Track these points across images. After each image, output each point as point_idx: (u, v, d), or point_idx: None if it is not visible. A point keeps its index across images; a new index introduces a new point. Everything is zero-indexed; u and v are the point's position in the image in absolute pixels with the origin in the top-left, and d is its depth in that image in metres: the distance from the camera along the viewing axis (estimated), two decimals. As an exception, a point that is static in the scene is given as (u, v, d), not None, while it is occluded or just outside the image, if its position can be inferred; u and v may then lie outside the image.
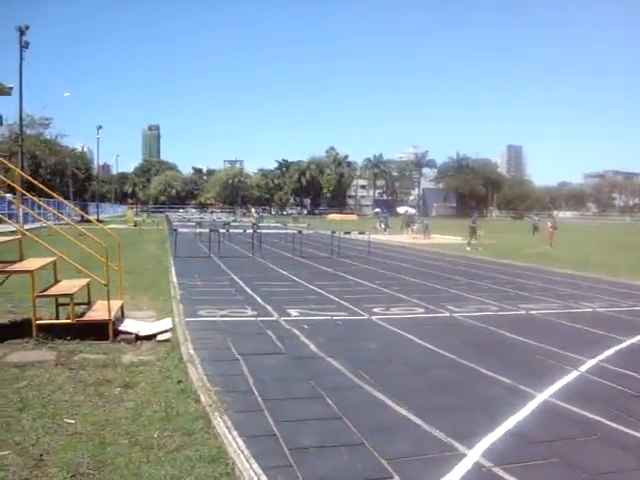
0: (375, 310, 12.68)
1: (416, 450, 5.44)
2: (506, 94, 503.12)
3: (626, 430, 6.15)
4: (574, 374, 8.19)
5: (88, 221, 16.33)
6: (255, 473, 4.80)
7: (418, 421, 6.17)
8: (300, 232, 29.95)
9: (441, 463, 5.18)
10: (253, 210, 45.85)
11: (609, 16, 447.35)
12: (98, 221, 28.69)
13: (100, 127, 79.03)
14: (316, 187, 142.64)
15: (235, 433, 5.59)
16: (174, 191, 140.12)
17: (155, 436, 5.65)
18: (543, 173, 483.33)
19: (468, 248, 32.07)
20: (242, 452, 5.16)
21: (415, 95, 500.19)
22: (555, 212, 55.98)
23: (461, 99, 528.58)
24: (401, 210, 74.84)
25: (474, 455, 5.37)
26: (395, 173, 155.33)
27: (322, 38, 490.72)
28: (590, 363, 8.77)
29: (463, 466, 5.14)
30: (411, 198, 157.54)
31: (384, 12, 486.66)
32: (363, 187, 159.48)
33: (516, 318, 12.47)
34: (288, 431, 5.74)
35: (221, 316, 11.56)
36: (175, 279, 16.79)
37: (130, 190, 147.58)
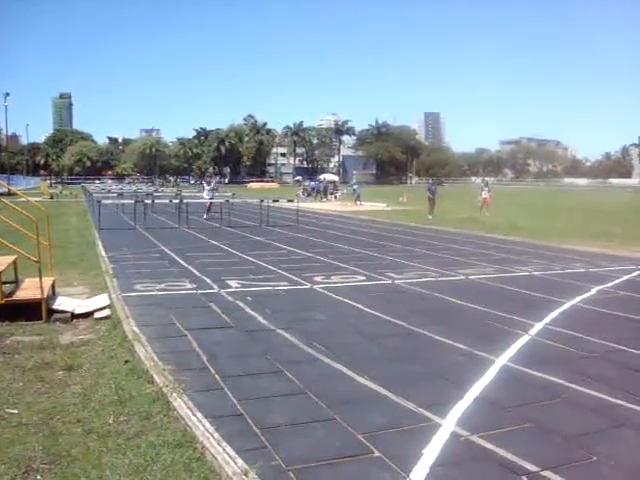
0: (316, 279, 12.49)
1: (390, 422, 5.27)
2: (422, 61, 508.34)
3: (587, 391, 6.19)
4: (526, 338, 8.22)
5: (12, 194, 15.46)
6: (230, 457, 4.50)
7: (384, 392, 6.01)
8: (227, 201, 29.42)
9: (418, 435, 5.04)
10: (206, 183, 34.27)
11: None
12: (9, 194, 27.29)
13: (7, 94, 75.63)
14: (236, 156, 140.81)
15: (200, 414, 5.27)
16: (89, 162, 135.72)
17: (110, 422, 5.30)
18: (460, 140, 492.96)
19: (430, 217, 31.20)
20: (211, 435, 4.85)
21: (334, 63, 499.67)
22: (488, 179, 54.49)
23: (379, 67, 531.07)
24: (323, 177, 74.74)
25: (449, 424, 5.25)
26: (315, 141, 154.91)
27: (242, 3, 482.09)
28: (538, 326, 8.83)
29: (441, 436, 5.01)
30: (331, 165, 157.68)
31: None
32: (283, 155, 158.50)
33: (457, 283, 12.51)
34: (254, 409, 5.47)
35: (159, 290, 11.13)
36: (104, 253, 16.15)
37: (42, 161, 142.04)
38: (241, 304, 10.04)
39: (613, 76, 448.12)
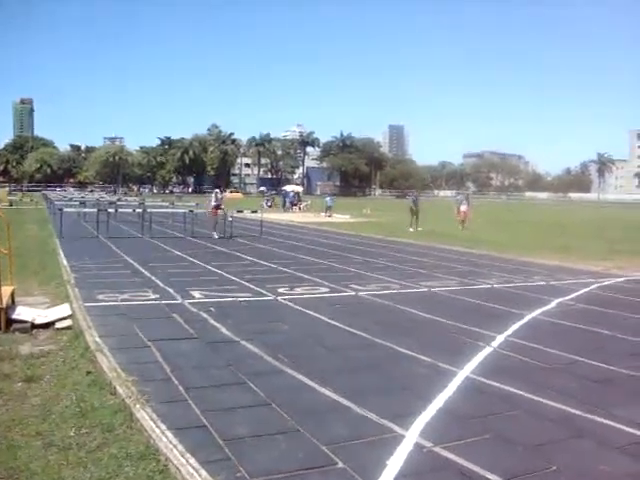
0: (280, 290, 12.48)
1: (353, 434, 5.29)
2: (387, 74, 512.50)
3: (547, 402, 6.29)
4: (488, 350, 8.32)
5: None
6: (194, 468, 4.48)
7: (348, 403, 6.04)
8: (191, 211, 29.21)
9: (382, 446, 5.07)
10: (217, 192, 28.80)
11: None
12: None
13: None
14: (200, 165, 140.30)
15: (163, 426, 5.23)
16: (50, 169, 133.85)
17: (72, 434, 5.22)
18: (424, 153, 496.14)
19: (411, 229, 31.24)
20: (175, 446, 4.82)
21: (300, 75, 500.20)
22: (467, 192, 53.76)
23: (344, 79, 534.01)
24: (287, 188, 74.69)
25: (412, 435, 5.29)
26: (280, 152, 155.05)
27: (207, 14, 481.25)
28: (500, 338, 8.95)
29: (404, 447, 5.05)
30: (295, 177, 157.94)
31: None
32: (247, 165, 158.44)
33: (420, 296, 12.60)
34: (218, 421, 5.45)
35: (122, 300, 11.01)
36: (65, 262, 15.94)
37: (2, 168, 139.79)
38: (204, 315, 10.00)
39: (574, 92, 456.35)
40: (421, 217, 32.77)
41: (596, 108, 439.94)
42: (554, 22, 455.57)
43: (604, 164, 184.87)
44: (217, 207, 26.74)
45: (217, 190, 29.13)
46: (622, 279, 15.78)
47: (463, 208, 34.54)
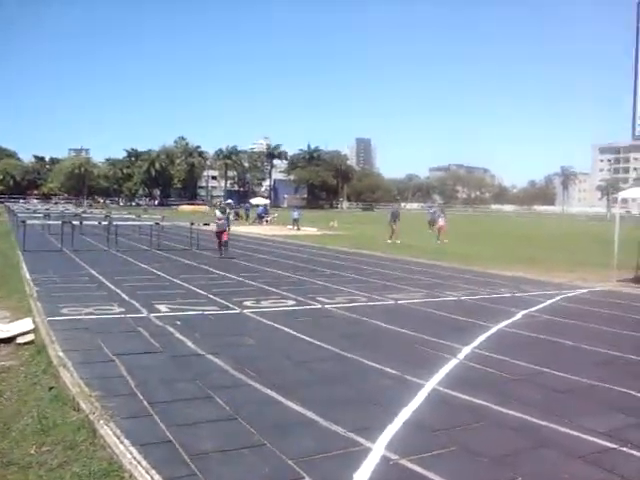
0: (246, 303, 12.43)
1: (320, 447, 5.27)
2: (354, 87, 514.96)
3: (513, 413, 6.34)
4: (454, 362, 8.37)
5: None
6: (158, 485, 4.42)
7: (314, 417, 6.02)
8: (157, 224, 29.00)
9: (348, 459, 5.05)
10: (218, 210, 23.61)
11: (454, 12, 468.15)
12: None
13: None
14: (166, 178, 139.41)
15: (127, 442, 5.16)
16: (13, 181, 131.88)
17: (32, 452, 5.11)
18: (391, 166, 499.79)
19: (398, 241, 31.20)
20: (139, 463, 4.76)
21: (267, 87, 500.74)
22: (442, 206, 53.18)
23: (312, 92, 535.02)
24: (254, 201, 74.41)
25: (379, 448, 5.29)
26: (246, 164, 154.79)
27: (173, 26, 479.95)
28: (466, 350, 9.00)
29: (371, 461, 5.04)
30: (262, 189, 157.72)
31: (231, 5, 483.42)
32: (214, 178, 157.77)
33: (387, 308, 12.64)
34: (184, 436, 5.39)
35: (86, 314, 10.85)
36: (28, 275, 15.69)
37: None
38: (170, 328, 9.90)
39: (539, 107, 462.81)
40: (401, 229, 32.89)
41: (560, 122, 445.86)
42: (518, 36, 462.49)
43: (568, 177, 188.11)
44: (222, 231, 22.59)
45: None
46: (586, 290, 16.03)
47: (441, 222, 34.65)
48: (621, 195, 22.48)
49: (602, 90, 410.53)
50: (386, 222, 34.56)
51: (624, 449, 5.47)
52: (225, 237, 22.63)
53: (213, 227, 23.80)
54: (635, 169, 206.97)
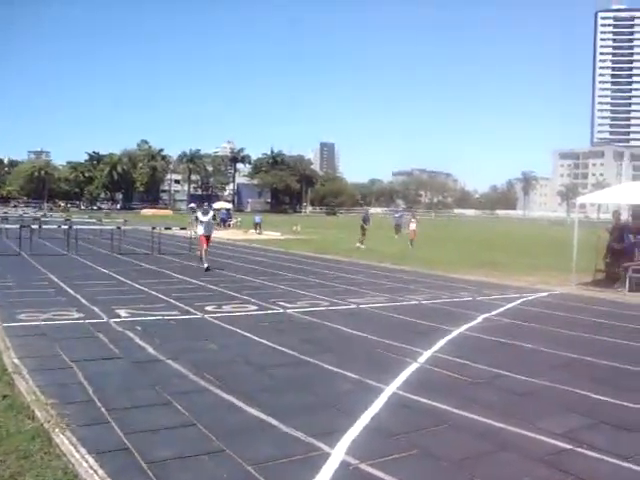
0: (208, 308, 12.35)
1: (279, 453, 5.24)
2: (318, 92, 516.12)
3: (473, 416, 6.38)
4: (415, 365, 8.40)
5: None
6: (114, 494, 4.34)
7: (274, 422, 5.98)
8: (119, 228, 28.70)
9: (308, 464, 5.03)
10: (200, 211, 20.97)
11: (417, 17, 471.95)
12: None
13: None
14: (129, 181, 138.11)
15: (83, 450, 5.06)
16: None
17: (-16, 463, 4.99)
18: (355, 170, 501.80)
19: (362, 247, 30.98)
20: (95, 472, 4.67)
21: (231, 91, 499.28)
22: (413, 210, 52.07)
23: (275, 95, 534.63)
24: (216, 205, 73.89)
25: (339, 453, 5.27)
26: (210, 168, 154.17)
27: (136, 29, 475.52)
28: (427, 354, 9.04)
29: (330, 465, 5.02)
30: (226, 193, 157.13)
31: (200, 7, 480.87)
32: (177, 182, 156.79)
33: (348, 312, 12.66)
34: (141, 443, 5.31)
35: (44, 320, 10.66)
36: (-17, 281, 15.39)
37: None
38: (130, 334, 9.78)
39: (501, 112, 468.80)
40: (359, 233, 32.86)
41: (522, 128, 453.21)
42: (482, 42, 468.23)
43: (529, 182, 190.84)
44: (207, 237, 20.38)
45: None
46: (546, 294, 16.24)
47: (412, 226, 34.46)
48: (579, 200, 22.83)
49: (563, 97, 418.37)
50: (354, 226, 34.52)
51: (579, 450, 5.56)
52: (209, 242, 20.53)
53: (198, 231, 21.01)
54: (594, 174, 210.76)
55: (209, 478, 4.75)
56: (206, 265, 19.69)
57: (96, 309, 11.87)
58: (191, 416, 6.06)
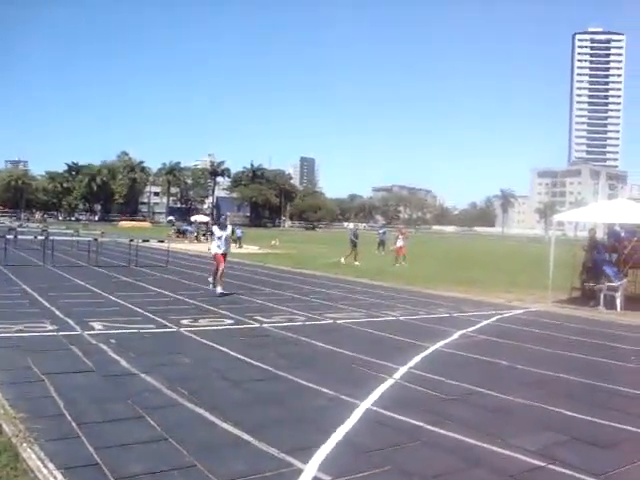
0: (183, 322, 12.25)
1: (251, 468, 5.19)
2: (299, 106, 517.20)
3: (446, 433, 6.37)
4: (390, 382, 8.38)
5: None
6: (81, 510, 4.27)
7: (247, 437, 5.93)
8: (96, 239, 28.49)
9: (279, 481, 4.98)
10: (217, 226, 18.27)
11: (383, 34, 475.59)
12: None
13: None
14: (108, 193, 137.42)
15: (51, 466, 4.97)
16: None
17: (-51, 479, 4.89)
18: (334, 185, 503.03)
19: (357, 263, 30.65)
20: (63, 487, 4.60)
21: (211, 104, 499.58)
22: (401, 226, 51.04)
23: (257, 110, 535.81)
24: (194, 219, 73.43)
25: (311, 470, 5.24)
26: (190, 181, 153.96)
27: (114, 38, 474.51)
28: (402, 370, 9.03)
29: (302, 482, 4.98)
30: (205, 206, 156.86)
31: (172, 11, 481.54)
32: (157, 194, 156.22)
33: (325, 328, 12.64)
34: (112, 458, 5.23)
35: (16, 332, 10.50)
36: (-45, 291, 15.18)
37: None
38: (104, 347, 9.68)
39: (481, 129, 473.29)
40: (340, 249, 32.73)
41: (501, 146, 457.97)
42: (459, 61, 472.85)
43: (507, 199, 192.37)
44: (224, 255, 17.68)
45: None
46: (521, 311, 16.33)
47: (399, 243, 33.52)
48: (557, 218, 23.03)
49: (541, 116, 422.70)
50: (332, 241, 34.33)
51: (552, 466, 5.57)
52: (224, 261, 17.59)
53: (212, 249, 17.99)
54: (571, 193, 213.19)
55: (179, 494, 4.69)
56: (219, 290, 17.00)
57: (70, 321, 11.74)
58: (163, 431, 5.99)
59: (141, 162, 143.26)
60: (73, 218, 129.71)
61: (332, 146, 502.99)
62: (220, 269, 17.17)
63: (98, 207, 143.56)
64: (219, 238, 17.55)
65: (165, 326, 11.85)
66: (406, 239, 34.53)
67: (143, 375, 8.10)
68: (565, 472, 5.46)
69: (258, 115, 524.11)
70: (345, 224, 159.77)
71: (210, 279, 17.90)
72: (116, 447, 5.52)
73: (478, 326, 13.49)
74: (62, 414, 6.36)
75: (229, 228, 18.02)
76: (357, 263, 30.68)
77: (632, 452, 6.09)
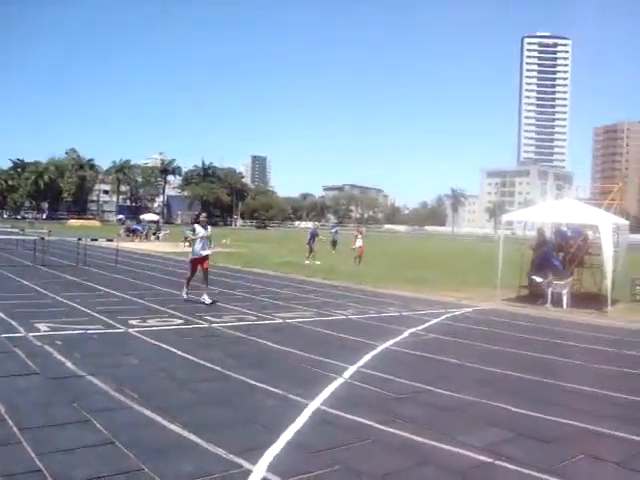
0: (132, 322, 12.07)
1: (199, 471, 5.12)
2: (251, 105, 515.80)
3: (395, 431, 6.39)
4: (339, 381, 8.38)
5: None
6: (22, 518, 4.15)
7: (196, 439, 5.86)
8: (42, 238, 27.89)
9: (227, 483, 4.93)
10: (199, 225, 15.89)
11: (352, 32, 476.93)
12: None
13: None
14: (55, 190, 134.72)
15: (-9, 473, 4.84)
16: None
17: None
18: (286, 184, 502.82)
19: (317, 262, 30.42)
20: (2, 494, 4.47)
21: (162, 102, 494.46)
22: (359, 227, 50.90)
23: (208, 108, 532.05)
24: (145, 217, 72.33)
25: (260, 470, 5.20)
26: (140, 179, 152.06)
27: (65, 33, 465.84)
28: (352, 369, 9.04)
29: (251, 484, 4.94)
30: (155, 205, 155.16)
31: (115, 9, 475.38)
32: (106, 192, 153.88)
33: (275, 327, 12.59)
34: (55, 464, 5.09)
35: (-43, 334, 10.23)
36: None
37: None
38: (49, 349, 9.45)
39: (432, 130, 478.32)
40: (292, 248, 32.64)
41: (452, 146, 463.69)
42: (409, 62, 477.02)
43: (457, 199, 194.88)
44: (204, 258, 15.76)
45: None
46: (471, 309, 16.53)
47: (359, 243, 33.02)
48: (505, 217, 23.33)
49: (492, 118, 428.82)
50: (284, 240, 34.29)
51: (499, 462, 5.64)
52: (206, 265, 15.84)
53: (195, 250, 15.73)
54: (520, 192, 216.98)
55: (125, 499, 4.60)
56: (208, 300, 15.31)
57: (14, 323, 11.44)
58: (109, 434, 5.87)
59: (90, 160, 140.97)
60: (19, 216, 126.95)
61: (284, 145, 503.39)
62: (203, 272, 15.63)
63: (45, 205, 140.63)
64: (200, 239, 15.63)
65: (113, 326, 11.65)
66: (364, 238, 34.28)
67: (89, 377, 7.94)
68: (511, 468, 5.54)
69: (209, 113, 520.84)
70: (297, 223, 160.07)
71: (184, 291, 15.91)
72: (60, 452, 5.38)
73: (428, 324, 13.60)
74: (3, 419, 6.16)
75: (209, 228, 16.00)
76: (318, 262, 30.61)
77: (576, 446, 6.21)
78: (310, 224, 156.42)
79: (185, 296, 15.74)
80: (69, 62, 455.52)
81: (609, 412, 7.53)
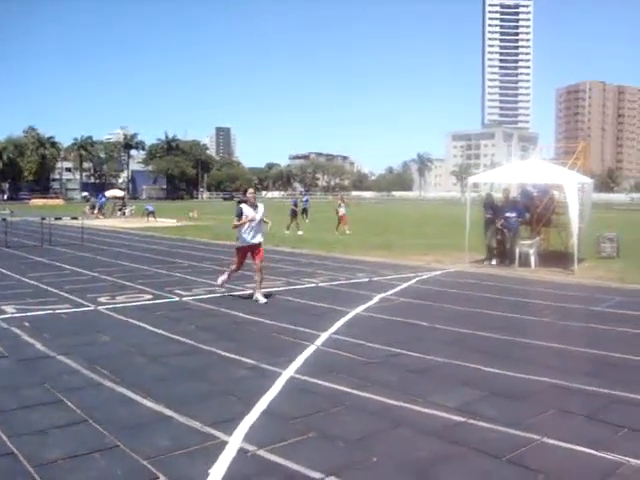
0: (101, 300, 11.98)
1: (176, 444, 5.12)
2: (212, 75, 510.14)
3: (369, 396, 6.46)
4: (312, 348, 8.42)
5: None
6: (-4, 502, 4.12)
7: (170, 413, 5.85)
8: (4, 219, 27.44)
9: (205, 454, 4.94)
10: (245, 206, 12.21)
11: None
12: None
13: None
14: (16, 170, 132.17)
15: (-39, 458, 4.77)
16: None
17: None
18: (251, 155, 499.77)
19: (300, 232, 30.31)
20: (-25, 480, 4.42)
21: (123, 74, 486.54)
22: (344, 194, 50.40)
23: (170, 80, 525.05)
24: (109, 193, 71.28)
25: (236, 441, 5.21)
26: (103, 155, 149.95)
27: (30, 10, 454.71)
28: (324, 336, 9.09)
29: (228, 454, 4.95)
30: (120, 181, 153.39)
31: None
32: (69, 170, 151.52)
33: (245, 297, 12.56)
34: (28, 446, 5.04)
35: None
36: None
37: None
38: (17, 331, 9.32)
39: (397, 95, 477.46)
40: (275, 218, 32.45)
41: (417, 111, 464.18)
42: (373, 29, 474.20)
43: (424, 163, 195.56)
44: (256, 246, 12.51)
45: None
46: (440, 272, 16.65)
47: (342, 211, 32.63)
48: (472, 180, 23.39)
49: (455, 81, 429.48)
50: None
51: (472, 421, 5.73)
52: (261, 255, 12.52)
53: (243, 237, 12.56)
54: (485, 155, 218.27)
55: (102, 476, 4.56)
56: (263, 299, 12.04)
57: (-21, 306, 11.28)
58: (83, 413, 5.83)
59: (51, 137, 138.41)
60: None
61: (248, 115, 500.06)
62: (240, 265, 12.92)
63: (6, 186, 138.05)
64: (250, 223, 12.31)
65: (82, 305, 11.53)
66: (347, 207, 34.07)
67: (60, 357, 7.86)
68: (484, 425, 5.63)
69: (172, 86, 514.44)
70: (264, 193, 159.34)
71: (222, 278, 13.20)
72: (32, 434, 5.33)
73: (398, 289, 13.69)
74: (-27, 403, 6.10)
75: (261, 208, 12.56)
76: (300, 232, 30.53)
77: (545, 402, 6.34)
78: (277, 193, 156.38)
79: (219, 283, 13.13)
80: (26, 36, 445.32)
81: (578, 368, 7.66)
